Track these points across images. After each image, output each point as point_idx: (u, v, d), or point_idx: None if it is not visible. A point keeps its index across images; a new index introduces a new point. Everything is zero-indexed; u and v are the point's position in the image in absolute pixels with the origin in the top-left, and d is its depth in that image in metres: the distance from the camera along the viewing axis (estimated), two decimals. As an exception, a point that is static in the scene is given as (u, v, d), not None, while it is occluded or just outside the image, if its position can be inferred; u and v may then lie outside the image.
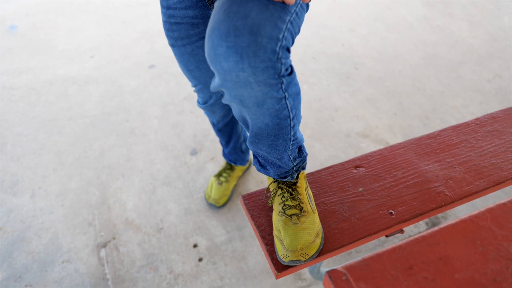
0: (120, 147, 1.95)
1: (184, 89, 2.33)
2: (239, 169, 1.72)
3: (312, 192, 1.01)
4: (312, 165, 1.83)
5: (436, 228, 0.81)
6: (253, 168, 1.81)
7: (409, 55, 2.62)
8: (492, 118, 1.21)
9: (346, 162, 1.09)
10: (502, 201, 0.86)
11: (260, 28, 0.59)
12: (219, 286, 1.40)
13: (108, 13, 3.16)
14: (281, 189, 0.90)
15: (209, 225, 1.59)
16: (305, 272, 1.44)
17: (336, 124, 2.06)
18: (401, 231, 0.96)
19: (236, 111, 0.75)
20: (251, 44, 0.59)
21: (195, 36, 1.01)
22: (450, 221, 0.86)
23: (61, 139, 2.00)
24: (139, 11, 3.18)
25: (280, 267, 0.85)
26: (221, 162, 1.85)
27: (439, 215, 1.62)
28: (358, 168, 1.07)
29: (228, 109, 1.34)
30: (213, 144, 1.94)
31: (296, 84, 0.71)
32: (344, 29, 2.91)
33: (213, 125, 1.45)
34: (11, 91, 2.33)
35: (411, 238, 0.79)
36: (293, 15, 0.66)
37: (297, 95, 0.73)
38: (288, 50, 0.64)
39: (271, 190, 0.94)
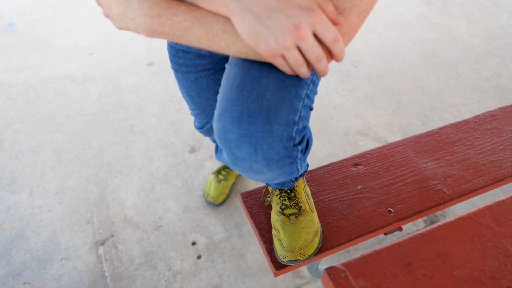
0: (119, 145, 1.94)
1: (182, 86, 2.32)
2: (238, 168, 1.71)
3: (311, 190, 1.01)
4: (310, 163, 1.83)
5: (434, 226, 0.81)
6: (252, 166, 1.81)
7: (408, 53, 2.62)
8: (491, 116, 1.22)
9: (345, 160, 1.09)
10: (501, 199, 0.86)
11: (276, 114, 0.55)
12: (217, 284, 1.40)
13: (107, 10, 3.14)
14: (279, 189, 0.90)
15: (207, 223, 1.59)
16: (304, 269, 1.44)
17: (334, 122, 2.06)
18: (400, 229, 0.96)
19: None
20: (266, 134, 0.55)
21: (201, 67, 0.99)
22: (448, 218, 0.86)
23: (60, 136, 2.00)
24: (137, 9, 3.16)
25: (279, 265, 0.85)
26: (220, 160, 1.85)
27: (438, 213, 1.62)
28: (357, 166, 1.07)
29: None
30: (212, 142, 1.94)
31: (309, 149, 0.68)
32: (343, 27, 2.90)
33: (211, 140, 1.43)
34: (9, 88, 2.32)
35: (410, 235, 0.79)
36: (310, 86, 0.63)
37: (307, 154, 0.69)
38: (305, 127, 0.61)
39: (269, 190, 0.94)
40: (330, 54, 0.56)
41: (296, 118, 0.58)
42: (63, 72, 2.47)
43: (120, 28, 0.60)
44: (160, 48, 2.69)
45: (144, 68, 2.50)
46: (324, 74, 0.56)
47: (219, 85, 1.04)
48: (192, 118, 2.09)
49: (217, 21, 0.55)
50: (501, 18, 3.00)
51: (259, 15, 0.51)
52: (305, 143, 0.63)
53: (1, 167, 1.83)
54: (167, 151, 1.90)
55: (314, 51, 0.52)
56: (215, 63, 0.99)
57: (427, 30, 2.86)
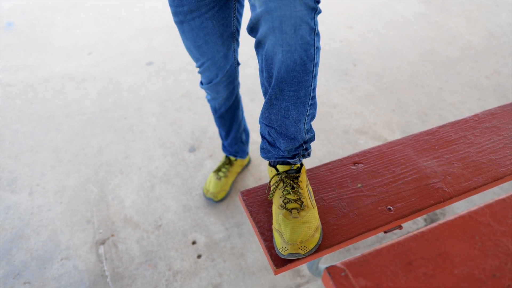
0: (118, 144, 1.94)
1: (181, 86, 2.32)
2: (238, 164, 1.72)
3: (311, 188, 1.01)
4: (310, 161, 1.83)
5: (435, 224, 0.81)
6: (252, 165, 1.81)
7: (407, 51, 2.62)
8: (490, 115, 1.22)
9: (345, 158, 1.09)
10: (501, 197, 0.86)
11: None
12: (217, 283, 1.40)
13: (105, 10, 3.15)
14: (283, 182, 0.90)
15: (207, 222, 1.59)
16: (304, 268, 1.44)
17: (334, 121, 2.06)
18: (400, 227, 0.96)
19: (267, 50, 0.77)
20: None
21: (205, 7, 1.04)
22: (449, 217, 0.86)
23: (59, 136, 2.00)
24: (135, 8, 3.16)
25: (279, 263, 0.85)
26: (220, 159, 1.85)
27: (437, 211, 1.62)
28: (356, 165, 1.07)
29: (231, 89, 1.36)
30: (212, 141, 1.94)
31: (318, 33, 0.78)
32: (341, 25, 2.91)
33: (215, 111, 1.46)
34: (8, 88, 2.32)
35: (410, 234, 0.79)
36: None
37: (318, 41, 0.78)
38: None
39: (272, 183, 0.94)
40: None
41: None
42: (62, 71, 2.46)
43: None
44: (159, 47, 2.69)
45: (143, 67, 2.49)
46: None
47: (223, 25, 1.12)
48: (192, 117, 2.09)
49: None
50: (500, 16, 3.00)
51: None
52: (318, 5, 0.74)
53: (1, 166, 1.83)
54: (167, 151, 1.90)
55: None
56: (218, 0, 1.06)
57: (426, 28, 2.86)
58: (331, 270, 0.73)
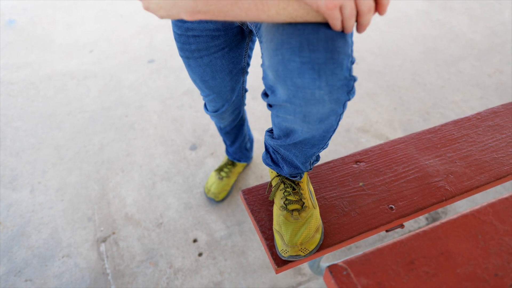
0: (120, 142, 1.94)
1: (183, 83, 2.32)
2: (240, 165, 1.71)
3: (313, 187, 1.01)
4: (312, 160, 1.82)
5: (437, 223, 0.81)
6: (253, 163, 1.81)
7: (409, 49, 2.61)
8: (493, 113, 1.21)
9: (347, 156, 1.09)
10: (504, 196, 0.86)
11: (334, 43, 0.56)
12: (218, 281, 1.40)
13: (106, 7, 3.14)
14: (284, 184, 0.90)
15: (208, 220, 1.59)
16: (305, 267, 1.44)
17: (336, 119, 2.05)
18: (401, 226, 0.95)
19: (285, 122, 0.70)
20: (328, 61, 0.55)
21: (214, 48, 0.97)
22: (451, 216, 0.85)
23: (60, 133, 1.99)
24: (137, 5, 3.16)
25: (280, 262, 0.85)
26: (221, 157, 1.85)
27: (439, 210, 1.61)
28: (358, 163, 1.07)
29: (237, 113, 1.31)
30: (213, 139, 1.94)
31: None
32: (344, 23, 2.89)
33: (220, 129, 1.43)
34: (9, 85, 2.32)
35: (412, 232, 0.79)
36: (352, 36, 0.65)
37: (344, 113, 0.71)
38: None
39: (273, 184, 0.94)
40: (375, 6, 0.57)
41: (349, 51, 0.59)
42: (64, 69, 2.46)
43: (162, 18, 0.58)
44: (160, 45, 2.68)
45: (145, 65, 2.49)
46: (365, 28, 0.57)
47: (233, 63, 1.04)
48: (194, 115, 2.08)
49: None
50: (503, 14, 2.99)
51: None
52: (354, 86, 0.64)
53: (2, 164, 1.83)
54: (168, 148, 1.90)
55: (369, 0, 0.52)
56: (230, 41, 0.98)
57: (428, 26, 2.85)
58: (332, 269, 0.72)
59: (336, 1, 0.51)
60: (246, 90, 1.25)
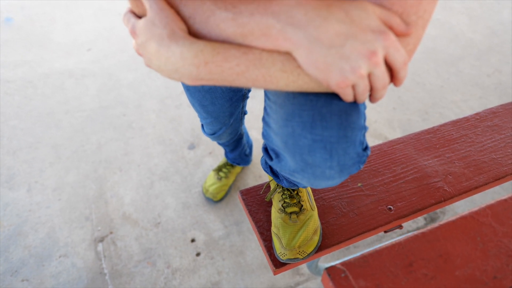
0: (118, 141, 1.93)
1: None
2: (239, 166, 1.71)
3: (311, 187, 1.00)
4: (310, 159, 1.81)
5: (436, 225, 0.80)
6: (252, 162, 1.80)
7: (409, 49, 2.60)
8: (492, 113, 1.21)
9: (345, 157, 1.08)
10: (503, 198, 0.86)
11: (348, 118, 0.53)
12: (216, 281, 1.40)
13: (105, 6, 3.13)
14: (282, 188, 0.89)
15: (207, 220, 1.58)
16: (303, 267, 1.43)
17: (334, 119, 2.05)
18: (400, 227, 0.95)
19: (289, 176, 0.66)
20: (341, 140, 0.53)
21: None
22: (449, 216, 0.85)
23: (58, 132, 1.99)
24: (136, 4, 3.14)
25: (278, 264, 0.85)
26: (220, 156, 1.84)
27: (437, 210, 1.61)
28: (357, 163, 1.06)
29: (235, 133, 1.29)
30: (219, 145, 1.93)
31: None
32: (343, 22, 2.89)
33: (218, 143, 1.42)
34: (6, 84, 2.31)
35: (411, 234, 0.79)
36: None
37: None
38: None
39: (271, 187, 0.93)
40: (391, 79, 0.53)
41: (362, 122, 0.56)
42: (62, 67, 2.45)
43: (165, 77, 0.54)
44: (159, 43, 2.67)
45: (143, 64, 2.48)
46: (379, 100, 0.54)
47: (233, 90, 1.01)
48: (192, 114, 2.08)
49: (274, 61, 0.49)
50: (502, 14, 2.99)
51: (331, 45, 0.46)
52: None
53: (-1, 163, 1.82)
54: (166, 148, 1.89)
55: (384, 78, 0.49)
56: None
57: (428, 26, 2.84)
58: (330, 271, 0.72)
59: (348, 81, 0.48)
60: (245, 113, 1.22)
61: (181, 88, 2.26)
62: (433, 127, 1.16)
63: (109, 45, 2.66)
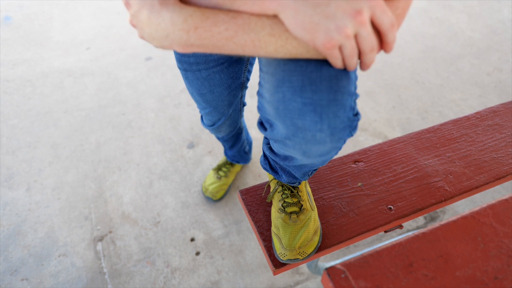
0: (117, 140, 1.93)
1: (181, 81, 2.30)
2: (239, 165, 1.70)
3: (311, 188, 1.00)
4: (310, 158, 1.81)
5: (436, 225, 0.80)
6: (251, 162, 1.80)
7: (408, 47, 2.60)
8: (492, 112, 1.20)
9: (345, 156, 1.08)
10: (504, 197, 0.85)
11: (338, 83, 0.53)
12: (216, 280, 1.39)
13: (104, 4, 3.12)
14: (282, 186, 0.89)
15: (206, 219, 1.58)
16: (303, 266, 1.43)
17: (334, 117, 2.04)
18: (400, 227, 0.95)
19: (284, 151, 0.68)
20: (331, 103, 0.53)
21: (214, 62, 0.94)
22: (449, 216, 0.85)
23: (57, 131, 1.98)
24: (135, 2, 3.13)
25: (278, 264, 0.84)
26: (219, 155, 1.84)
27: (438, 209, 1.61)
28: (357, 163, 1.06)
29: (234, 126, 1.29)
30: (211, 137, 1.93)
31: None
32: (342, 21, 2.88)
33: (217, 137, 1.42)
34: (5, 83, 2.30)
35: (411, 234, 0.78)
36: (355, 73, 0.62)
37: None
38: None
39: (271, 186, 0.93)
40: (380, 44, 0.53)
41: (352, 88, 0.56)
42: (60, 66, 2.44)
43: (157, 47, 0.56)
44: (158, 42, 2.66)
45: (142, 62, 2.48)
46: (369, 67, 0.54)
47: (232, 78, 1.02)
48: (191, 113, 2.07)
49: (263, 25, 0.50)
50: (502, 12, 2.98)
51: (316, 4, 0.47)
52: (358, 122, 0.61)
53: (-2, 162, 1.82)
54: (165, 147, 1.89)
55: (371, 39, 0.49)
56: (229, 55, 0.95)
57: (427, 24, 2.84)
58: (330, 271, 0.72)
59: (334, 41, 0.48)
60: (244, 104, 1.23)
61: (180, 87, 2.25)
62: (434, 126, 1.16)
63: (107, 43, 2.65)
